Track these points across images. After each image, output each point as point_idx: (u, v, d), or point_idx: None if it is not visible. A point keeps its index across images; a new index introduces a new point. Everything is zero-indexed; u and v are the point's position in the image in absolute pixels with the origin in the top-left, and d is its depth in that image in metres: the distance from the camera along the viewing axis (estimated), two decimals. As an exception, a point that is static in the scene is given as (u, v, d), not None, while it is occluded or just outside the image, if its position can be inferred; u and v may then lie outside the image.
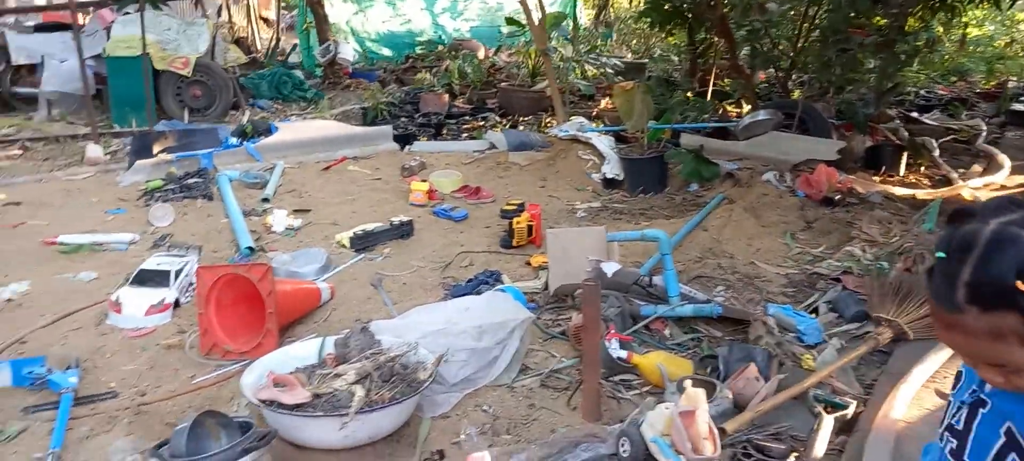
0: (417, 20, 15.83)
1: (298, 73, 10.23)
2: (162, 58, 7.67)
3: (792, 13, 6.41)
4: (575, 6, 18.92)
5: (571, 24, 13.01)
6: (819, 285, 3.68)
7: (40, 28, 8.58)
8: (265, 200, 4.84)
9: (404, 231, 4.28)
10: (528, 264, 3.91)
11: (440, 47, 15.43)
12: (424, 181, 5.03)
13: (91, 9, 9.65)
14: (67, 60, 7.89)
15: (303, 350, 2.82)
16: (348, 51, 11.05)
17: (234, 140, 5.75)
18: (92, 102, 7.87)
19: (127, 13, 8.28)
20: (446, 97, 8.70)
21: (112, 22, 7.82)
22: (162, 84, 7.71)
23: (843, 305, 3.39)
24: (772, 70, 7.23)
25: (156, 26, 7.85)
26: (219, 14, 9.88)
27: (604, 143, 5.76)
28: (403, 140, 6.52)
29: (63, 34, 8.25)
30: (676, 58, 10.45)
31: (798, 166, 5.06)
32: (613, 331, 2.89)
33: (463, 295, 3.50)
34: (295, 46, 13.82)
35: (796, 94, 7.13)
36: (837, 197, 4.72)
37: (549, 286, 3.50)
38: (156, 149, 5.42)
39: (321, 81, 11.08)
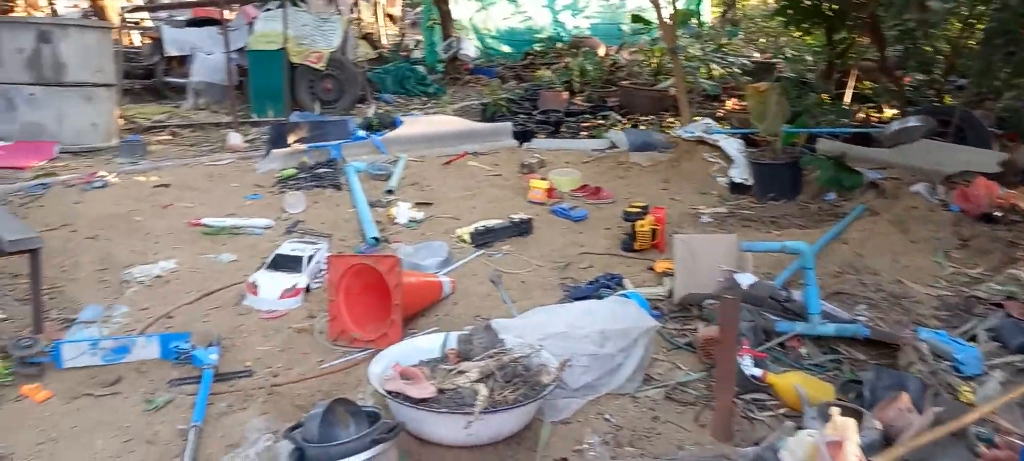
0: (537, 17, 15.86)
1: (421, 69, 10.47)
2: (298, 52, 8.05)
3: (955, 11, 5.87)
4: (700, 3, 18.35)
5: (696, 22, 12.54)
6: (977, 310, 3.32)
7: (191, 23, 9.24)
8: (389, 192, 4.95)
9: (523, 229, 4.25)
10: (651, 269, 3.78)
11: (559, 44, 15.41)
12: (543, 179, 4.98)
13: (237, 5, 10.29)
14: (214, 53, 8.44)
15: (426, 343, 2.83)
16: (470, 48, 11.21)
17: (361, 132, 5.93)
18: (234, 93, 8.41)
19: (269, 9, 8.77)
20: (566, 94, 8.64)
21: (255, 18, 8.29)
22: (297, 77, 8.10)
23: (1007, 334, 3.05)
24: (923, 73, 6.67)
25: (294, 22, 8.25)
26: (351, 10, 10.25)
27: (732, 146, 5.50)
28: (522, 137, 6.51)
29: (211, 29, 8.85)
30: (810, 58, 9.88)
31: (953, 178, 4.62)
32: (747, 347, 2.72)
33: (583, 298, 3.42)
34: (418, 42, 14.20)
35: (947, 100, 6.55)
36: (998, 213, 4.26)
37: (674, 294, 3.35)
38: (291, 139, 5.67)
39: (442, 77, 11.30)
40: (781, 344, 2.93)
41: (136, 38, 10.30)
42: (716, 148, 5.63)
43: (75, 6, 16.07)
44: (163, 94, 8.82)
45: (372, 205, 4.62)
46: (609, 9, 17.35)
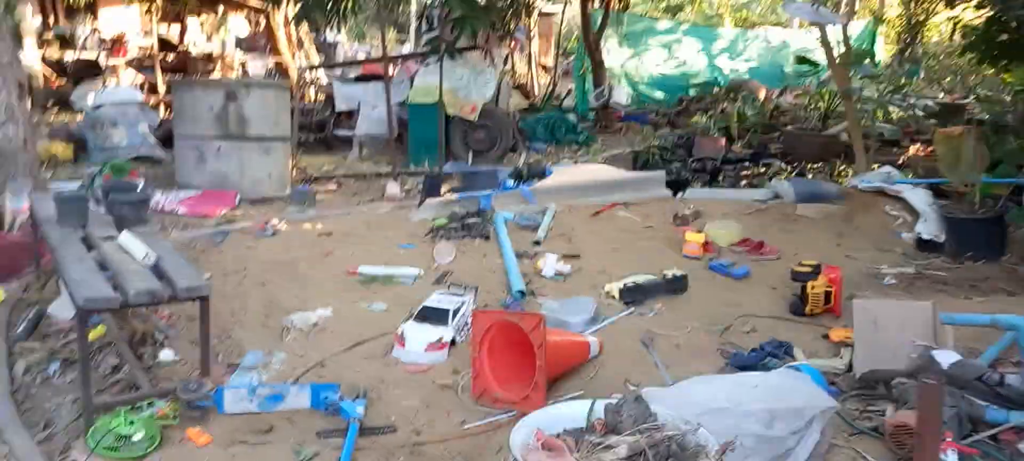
0: (693, 62, 15.50)
1: (571, 117, 10.47)
2: (454, 104, 8.32)
3: None
4: (874, 41, 17.14)
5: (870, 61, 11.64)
6: None
7: (359, 79, 9.88)
8: (536, 243, 4.87)
9: (677, 286, 3.98)
10: (826, 338, 3.37)
11: (716, 88, 14.91)
12: (699, 231, 4.68)
13: (400, 61, 10.90)
14: (377, 107, 8.92)
15: (571, 410, 2.65)
16: (621, 95, 11.11)
17: (511, 182, 5.94)
18: (394, 144, 8.82)
19: (428, 64, 9.17)
20: (723, 141, 8.24)
21: (415, 72, 8.69)
22: (452, 128, 8.36)
23: None
24: None
25: (451, 75, 8.54)
26: (505, 62, 10.53)
27: (919, 197, 4.90)
28: (675, 186, 6.23)
29: (376, 84, 9.38)
30: (1007, 98, 8.78)
31: None
32: (950, 440, 2.29)
33: (746, 367, 3.11)
34: (569, 91, 14.30)
35: None
36: None
37: (855, 368, 2.95)
38: (443, 189, 5.80)
39: (593, 125, 11.25)
40: (994, 437, 2.46)
41: (314, 94, 11.17)
42: (898, 199, 5.06)
43: (263, 66, 17.88)
44: (332, 146, 9.44)
45: (519, 256, 4.56)
46: (769, 52, 16.62)
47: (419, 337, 3.37)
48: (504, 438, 2.59)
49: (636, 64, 14.54)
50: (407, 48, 29.27)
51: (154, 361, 3.45)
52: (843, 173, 6.39)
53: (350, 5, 8.79)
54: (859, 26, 17.89)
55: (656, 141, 8.23)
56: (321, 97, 9.98)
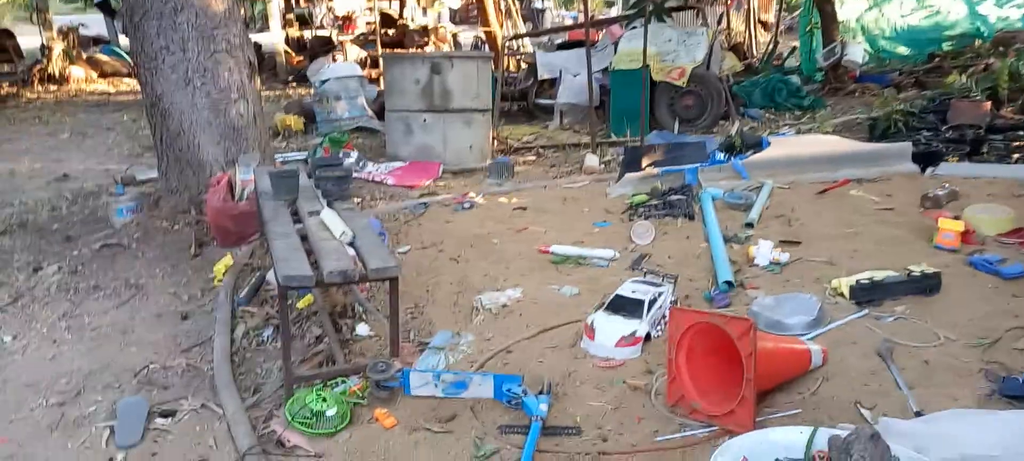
0: (949, 10, 13.31)
1: (794, 79, 9.44)
2: (660, 69, 7.82)
3: None
4: None
5: None
6: None
7: (562, 46, 9.69)
8: (749, 225, 4.34)
9: (927, 285, 3.28)
10: None
11: (978, 42, 12.70)
12: (956, 217, 3.85)
13: (604, 26, 10.54)
14: (579, 74, 8.67)
15: (786, 437, 2.22)
16: (857, 52, 9.79)
17: (721, 155, 5.39)
18: (595, 113, 8.52)
19: (634, 27, 8.71)
20: (987, 105, 6.88)
21: (620, 37, 8.29)
22: (657, 95, 7.87)
23: None
24: None
25: (658, 38, 8.04)
26: (719, 22, 9.74)
27: None
28: (925, 159, 5.27)
29: (579, 51, 9.12)
30: None
31: None
32: None
33: (1021, 398, 2.44)
34: (793, 49, 12.98)
35: None
36: None
37: None
38: (644, 162, 5.41)
39: (822, 87, 10.09)
40: None
41: (518, 63, 11.20)
42: None
43: (476, 37, 18.44)
44: (534, 115, 9.38)
45: (727, 241, 4.08)
46: (1050, -7, 13.80)
47: (610, 330, 3.09)
48: (703, 459, 2.25)
49: (876, 15, 12.80)
50: (614, 12, 28.74)
51: (352, 334, 3.52)
52: None
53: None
54: None
55: (900, 106, 7.07)
56: (525, 66, 9.93)
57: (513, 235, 4.59)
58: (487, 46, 14.35)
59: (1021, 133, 5.99)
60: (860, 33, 11.95)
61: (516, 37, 10.53)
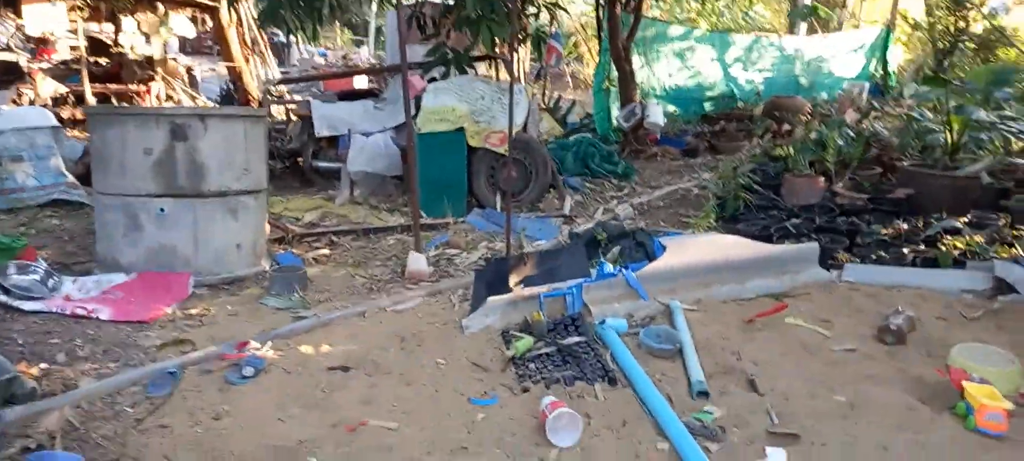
0: (707, 72, 13.84)
1: (603, 145, 8.62)
2: (476, 133, 6.36)
3: None
4: (886, 50, 15.91)
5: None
6: None
7: (344, 96, 7.82)
8: (702, 393, 2.97)
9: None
10: None
11: (742, 104, 13.27)
12: (981, 381, 2.84)
13: (386, 75, 8.88)
14: (372, 134, 6.91)
15: None
16: (657, 113, 9.27)
17: (609, 266, 4.01)
18: (395, 184, 6.82)
19: (433, 79, 7.21)
20: (822, 181, 6.48)
21: (422, 91, 6.69)
22: (474, 164, 6.41)
23: None
24: None
25: (469, 94, 6.61)
26: (538, 77, 8.62)
27: None
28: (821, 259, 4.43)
29: (367, 103, 7.36)
30: None
31: None
32: None
33: None
34: (573, 104, 12.46)
35: None
36: None
37: None
38: (513, 279, 3.85)
39: (620, 149, 9.43)
40: None
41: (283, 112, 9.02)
42: None
43: (211, 70, 15.51)
44: (311, 181, 7.37)
45: (691, 432, 2.64)
46: (784, 61, 15.11)
47: None
48: None
49: (647, 75, 12.78)
50: (364, 52, 27.00)
51: None
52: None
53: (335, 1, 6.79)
54: (872, 32, 16.60)
55: (740, 179, 6.39)
56: (295, 119, 7.88)
57: (343, 439, 2.71)
58: (233, 86, 11.85)
59: (867, 218, 5.50)
60: (651, 94, 11.70)
61: (286, 82, 8.39)
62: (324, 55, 23.77)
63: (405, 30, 5.41)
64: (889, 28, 16.05)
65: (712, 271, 4.07)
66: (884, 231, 5.22)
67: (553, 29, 9.38)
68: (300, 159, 7.51)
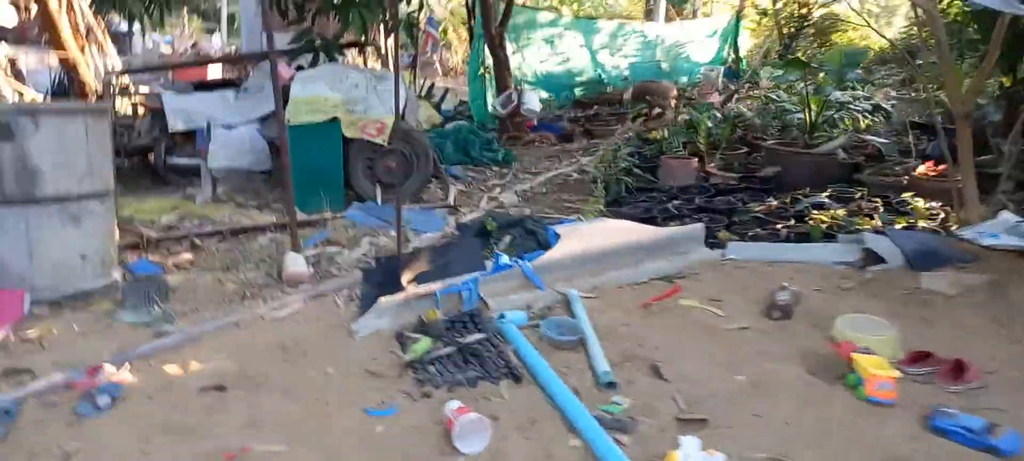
0: (576, 59, 14.07)
1: (485, 133, 8.50)
2: (352, 123, 6.02)
3: None
4: (738, 36, 16.84)
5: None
6: None
7: (200, 86, 7.17)
8: (610, 384, 2.89)
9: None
10: None
11: (611, 88, 13.58)
12: (865, 351, 2.95)
13: (247, 64, 8.28)
14: (236, 127, 6.38)
15: None
16: (533, 100, 9.26)
17: (506, 259, 3.87)
18: (264, 180, 6.35)
19: (300, 67, 6.77)
20: (695, 162, 6.70)
21: (289, 80, 6.24)
22: (351, 155, 6.07)
23: None
24: None
25: (342, 83, 6.25)
26: (414, 64, 8.29)
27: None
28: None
29: (227, 93, 6.79)
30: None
31: None
32: None
33: None
34: (446, 92, 12.26)
35: None
36: None
37: None
38: (406, 278, 3.61)
39: (498, 136, 9.36)
40: None
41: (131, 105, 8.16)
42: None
43: (41, 60, 13.90)
44: (166, 180, 6.71)
45: (606, 427, 2.56)
46: (646, 46, 15.67)
47: None
48: None
49: (519, 60, 12.79)
50: (216, 40, 25.31)
51: None
52: (955, 220, 4.79)
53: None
54: (723, 20, 17.57)
55: (623, 162, 6.46)
56: (142, 111, 7.14)
57: (223, 469, 2.40)
58: (67, 78, 10.62)
59: (739, 196, 5.73)
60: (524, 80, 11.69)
61: (130, 72, 7.54)
62: (170, 43, 22.05)
63: (266, 14, 5.00)
64: (739, 15, 17.04)
65: (606, 257, 4.04)
66: (758, 209, 5.45)
67: (427, 15, 9.11)
68: (151, 156, 6.81)
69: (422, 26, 8.87)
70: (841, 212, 5.16)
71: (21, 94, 11.01)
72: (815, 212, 5.24)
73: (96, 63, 11.99)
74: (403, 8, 8.15)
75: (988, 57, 4.21)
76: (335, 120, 5.92)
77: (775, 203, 5.49)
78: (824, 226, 4.89)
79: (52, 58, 11.11)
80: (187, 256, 4.78)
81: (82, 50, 11.19)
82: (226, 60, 9.17)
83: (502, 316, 3.40)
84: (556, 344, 3.21)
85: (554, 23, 13.84)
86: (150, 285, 3.93)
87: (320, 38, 7.20)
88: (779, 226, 4.95)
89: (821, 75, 6.87)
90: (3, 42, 14.93)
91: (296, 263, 4.28)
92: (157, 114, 6.64)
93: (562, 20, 14.32)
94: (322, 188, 5.80)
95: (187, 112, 6.56)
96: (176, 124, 6.51)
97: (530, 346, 3.12)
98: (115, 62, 13.34)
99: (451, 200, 6.18)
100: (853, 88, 7.43)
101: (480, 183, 7.11)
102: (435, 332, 3.25)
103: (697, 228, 4.41)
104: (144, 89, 7.93)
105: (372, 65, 9.19)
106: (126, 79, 7.98)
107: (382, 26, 8.55)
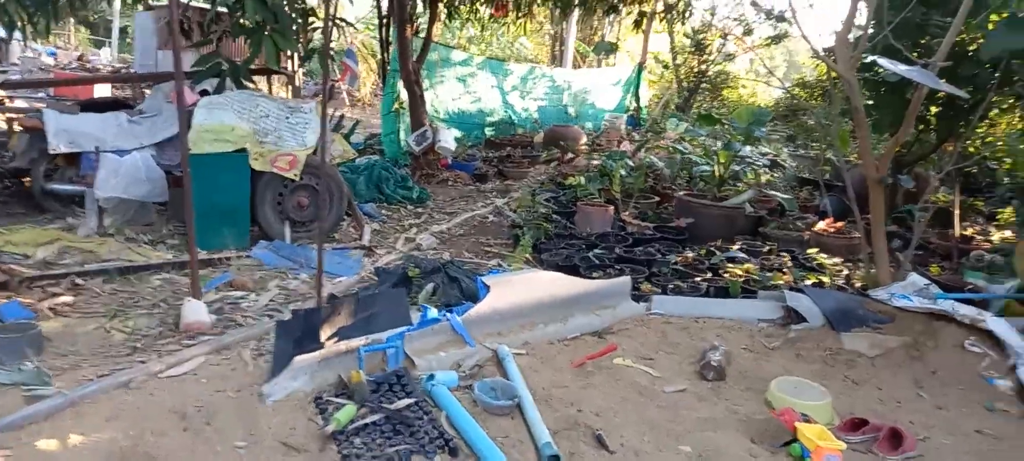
0: (487, 98, 14.08)
1: (398, 170, 8.23)
2: (261, 155, 5.63)
3: None
4: (639, 87, 17.42)
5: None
6: None
7: (88, 106, 6.54)
8: (553, 457, 2.71)
9: None
10: None
11: (521, 130, 13.65)
12: (805, 419, 2.92)
13: (147, 85, 7.68)
14: (128, 153, 5.84)
15: None
16: (449, 138, 9.10)
17: (434, 312, 3.63)
18: (158, 212, 5.85)
19: (205, 91, 6.32)
20: (612, 210, 6.71)
21: (193, 105, 5.78)
22: (259, 190, 5.66)
23: None
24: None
25: (250, 111, 5.86)
26: (331, 95, 7.88)
27: (1007, 331, 3.72)
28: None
29: (120, 115, 6.23)
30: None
31: None
32: None
33: None
34: (355, 124, 11.90)
35: None
36: None
37: None
38: (325, 333, 3.31)
39: (412, 174, 9.12)
40: None
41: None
42: (969, 328, 3.84)
43: None
44: (43, 207, 6.03)
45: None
46: (555, 91, 15.93)
47: None
48: None
49: (432, 97, 12.63)
50: (105, 54, 23.67)
51: None
52: (865, 279, 4.94)
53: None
54: (627, 70, 18.18)
55: (541, 206, 6.37)
56: (16, 130, 6.43)
57: None
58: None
59: (654, 248, 5.77)
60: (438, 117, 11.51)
61: (5, 86, 6.75)
62: (53, 55, 20.40)
63: (175, 34, 4.60)
64: (641, 66, 17.67)
65: (536, 311, 3.89)
66: (676, 260, 5.48)
67: (347, 46, 8.79)
68: (26, 180, 6.12)
69: (342, 57, 8.55)
70: (754, 267, 5.27)
71: None
72: (729, 265, 5.33)
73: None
74: (317, 36, 7.80)
75: (904, 125, 4.42)
76: (243, 151, 5.52)
77: (691, 255, 5.54)
78: (740, 280, 4.96)
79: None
80: (67, 298, 4.24)
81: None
82: (124, 79, 8.49)
83: (431, 377, 3.17)
84: (491, 409, 3.00)
85: (467, 62, 13.80)
86: (21, 336, 3.41)
87: (228, 62, 6.76)
88: (698, 279, 4.98)
89: (731, 131, 7.10)
90: None
91: (196, 311, 3.87)
92: (36, 133, 5.98)
93: (475, 60, 14.31)
94: (226, 224, 5.37)
95: (72, 133, 5.94)
96: (58, 146, 5.87)
97: (464, 412, 2.90)
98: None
99: (366, 241, 5.88)
100: (759, 143, 7.75)
101: (395, 222, 6.84)
102: (360, 396, 2.97)
103: (624, 281, 4.35)
104: (20, 104, 7.16)
105: (279, 93, 8.75)
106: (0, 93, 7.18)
107: (295, 55, 8.17)
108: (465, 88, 13.54)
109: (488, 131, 13.66)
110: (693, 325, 4.15)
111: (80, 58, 19.79)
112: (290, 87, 8.28)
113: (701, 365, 3.54)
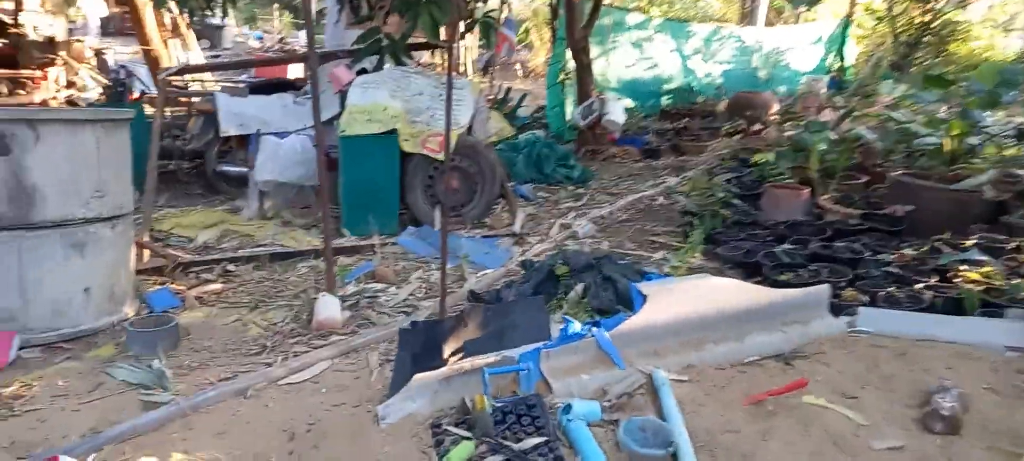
0: (664, 64, 13.09)
1: (561, 146, 7.72)
2: (411, 136, 5.36)
3: None
4: (844, 44, 15.41)
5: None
6: None
7: (256, 88, 6.70)
8: (713, 540, 2.07)
9: None
10: None
11: (702, 98, 12.55)
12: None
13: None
14: (288, 135, 5.84)
15: None
16: (618, 110, 8.39)
17: (577, 325, 3.09)
18: (315, 194, 5.78)
19: (364, 70, 6.17)
20: (807, 193, 5.70)
21: (347, 84, 5.65)
22: (409, 172, 5.41)
23: None
24: None
25: (404, 90, 5.60)
26: (486, 71, 7.62)
27: None
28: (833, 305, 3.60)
29: (285, 98, 6.27)
30: None
31: None
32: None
33: None
34: (523, 97, 11.50)
35: None
36: None
37: None
38: (448, 349, 2.89)
39: (575, 148, 8.56)
40: None
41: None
42: None
43: (136, 53, 14.01)
44: (216, 188, 6.26)
45: None
46: (744, 52, 14.47)
47: None
48: None
49: (603, 65, 11.93)
50: (303, 36, 25.40)
51: None
52: None
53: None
54: (830, 26, 16.12)
55: (719, 193, 5.56)
56: (195, 113, 6.73)
57: None
58: (151, 72, 10.50)
59: (861, 241, 4.71)
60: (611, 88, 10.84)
61: (183, 71, 7.16)
62: (260, 39, 22.23)
63: (311, 7, 4.37)
64: (848, 20, 15.57)
65: (704, 327, 3.19)
66: (890, 259, 4.44)
67: (505, 15, 8.40)
68: (202, 162, 6.38)
69: (500, 27, 8.18)
70: (996, 271, 4.10)
71: (102, 86, 10.99)
72: (963, 267, 4.20)
73: (177, 57, 11.94)
74: (481, 7, 7.46)
75: None
76: (393, 132, 5.28)
77: (911, 253, 4.47)
78: (978, 289, 3.87)
79: (136, 49, 11.04)
80: (215, 287, 4.22)
81: (165, 43, 11.07)
82: (281, 62, 8.72)
83: (568, 408, 2.62)
84: (640, 459, 2.40)
85: (644, 25, 12.89)
86: (158, 330, 3.34)
87: (388, 38, 6.59)
88: (919, 286, 3.95)
89: (967, 95, 5.73)
90: (105, 34, 15.24)
91: (329, 308, 3.62)
92: (210, 117, 6.19)
93: (653, 22, 13.34)
94: (374, 208, 5.18)
95: (241, 116, 6.08)
96: (228, 128, 6.04)
97: (597, 453, 2.33)
98: (198, 56, 13.32)
99: (517, 227, 5.43)
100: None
101: (551, 205, 6.34)
102: (482, 429, 2.50)
103: (820, 292, 3.49)
104: (196, 88, 7.54)
105: (441, 69, 8.56)
106: (186, 78, 7.61)
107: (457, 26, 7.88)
108: (640, 53, 12.68)
109: (664, 100, 12.73)
110: (913, 350, 3.22)
111: (280, 41, 21.32)
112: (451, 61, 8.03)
113: (925, 412, 2.67)
